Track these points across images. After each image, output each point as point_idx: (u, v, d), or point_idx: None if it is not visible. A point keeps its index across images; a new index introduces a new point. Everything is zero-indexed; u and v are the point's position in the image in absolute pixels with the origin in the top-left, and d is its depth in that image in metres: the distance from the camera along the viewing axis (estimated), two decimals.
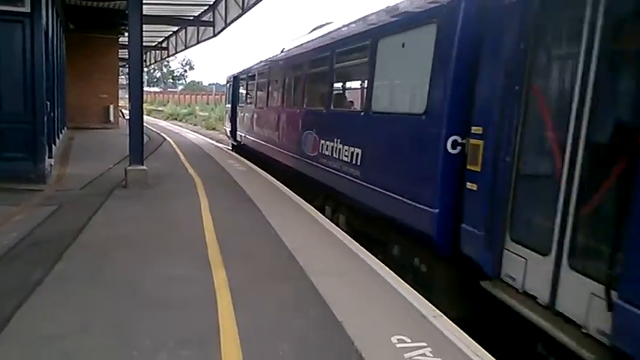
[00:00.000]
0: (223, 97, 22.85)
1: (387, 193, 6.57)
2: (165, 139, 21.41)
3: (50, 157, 10.93)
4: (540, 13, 4.49)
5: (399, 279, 5.29)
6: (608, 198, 3.77)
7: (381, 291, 4.93)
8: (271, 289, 4.85)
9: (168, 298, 4.50)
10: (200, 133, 29.86)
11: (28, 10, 9.38)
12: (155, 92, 79.46)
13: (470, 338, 4.00)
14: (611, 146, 3.82)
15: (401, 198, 6.21)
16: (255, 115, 15.91)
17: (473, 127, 5.20)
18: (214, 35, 24.19)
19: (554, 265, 4.10)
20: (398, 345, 3.77)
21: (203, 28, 25.42)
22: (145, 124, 10.69)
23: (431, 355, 3.66)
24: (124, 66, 36.10)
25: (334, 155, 8.56)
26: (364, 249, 6.34)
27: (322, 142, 9.26)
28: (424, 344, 3.80)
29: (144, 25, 9.91)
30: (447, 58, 5.52)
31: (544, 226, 4.26)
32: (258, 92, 15.94)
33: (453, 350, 3.75)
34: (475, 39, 5.25)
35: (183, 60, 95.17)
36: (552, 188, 4.18)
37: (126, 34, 22.40)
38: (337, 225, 7.90)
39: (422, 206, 5.75)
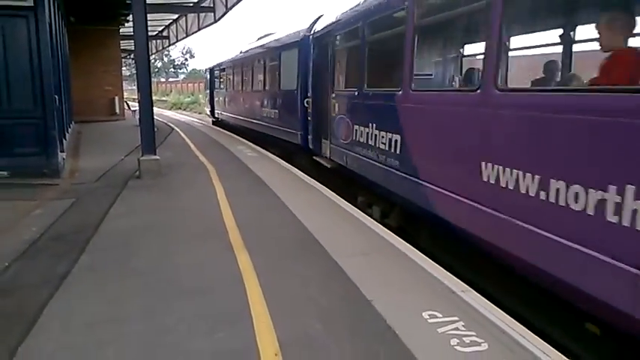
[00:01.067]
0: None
1: (287, 129, 12.91)
2: (172, 128, 21.39)
3: (62, 151, 10.94)
4: (320, 47, 10.63)
5: (424, 256, 5.28)
6: (332, 115, 9.49)
7: (406, 268, 4.92)
8: (297, 270, 4.85)
9: (197, 285, 4.52)
10: (205, 121, 29.79)
11: (32, 4, 9.31)
12: (157, 82, 79.24)
13: (500, 310, 4.00)
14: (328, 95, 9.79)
15: (291, 130, 12.56)
16: (227, 98, 22.16)
17: (308, 94, 11.38)
18: (215, 21, 24.03)
19: (329, 143, 9.71)
20: (430, 320, 3.77)
21: (204, 14, 25.23)
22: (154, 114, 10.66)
23: (464, 328, 3.65)
24: (125, 57, 36.01)
25: (268, 116, 14.95)
26: (384, 228, 6.34)
27: (263, 109, 15.63)
28: (456, 318, 3.80)
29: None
30: (300, 64, 11.80)
31: (327, 129, 9.85)
32: (227, 81, 22.11)
33: (485, 323, 3.74)
34: (309, 55, 11.23)
35: (184, 48, 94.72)
36: (328, 115, 9.75)
37: (126, 24, 22.37)
38: (270, 152, 13.74)
39: (297, 131, 12.14)
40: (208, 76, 27.16)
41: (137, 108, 12.26)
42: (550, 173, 3.87)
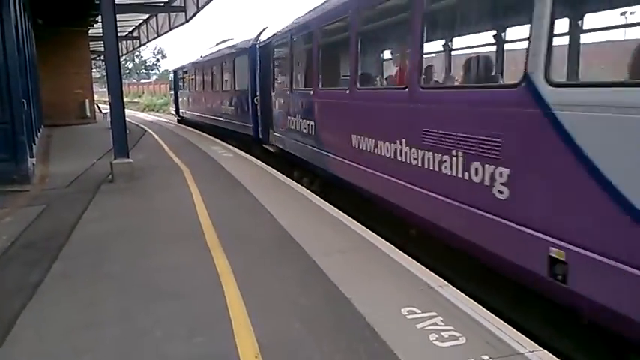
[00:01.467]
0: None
1: (241, 123, 15.24)
2: (145, 130, 21.11)
3: (32, 156, 10.71)
4: (264, 54, 13.05)
5: (401, 252, 5.31)
6: (274, 110, 12.17)
7: (383, 265, 4.94)
8: (275, 270, 4.84)
9: (174, 288, 4.47)
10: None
11: None
12: (129, 84, 78.07)
13: (478, 304, 4.04)
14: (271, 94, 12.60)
15: (244, 124, 14.85)
16: (190, 97, 24.59)
17: (256, 92, 13.61)
18: (186, 21, 23.79)
19: (273, 132, 12.20)
20: (409, 316, 3.79)
21: (175, 14, 24.92)
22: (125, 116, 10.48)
23: (442, 323, 3.68)
24: (95, 59, 35.39)
25: (226, 113, 17.39)
26: (361, 225, 6.35)
27: (222, 107, 17.90)
28: (434, 314, 3.83)
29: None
30: (250, 68, 13.92)
31: (271, 122, 12.34)
32: (190, 82, 24.47)
33: (463, 317, 3.78)
34: (256, 61, 13.46)
35: (155, 49, 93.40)
36: (272, 110, 12.25)
37: (95, 25, 21.96)
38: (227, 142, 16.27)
39: (249, 125, 14.32)
40: (173, 78, 29.55)
41: (108, 110, 12.07)
42: (376, 137, 6.62)
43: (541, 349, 3.35)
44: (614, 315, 3.37)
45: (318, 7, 9.09)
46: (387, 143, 6.25)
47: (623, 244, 3.26)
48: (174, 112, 29.87)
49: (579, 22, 5.40)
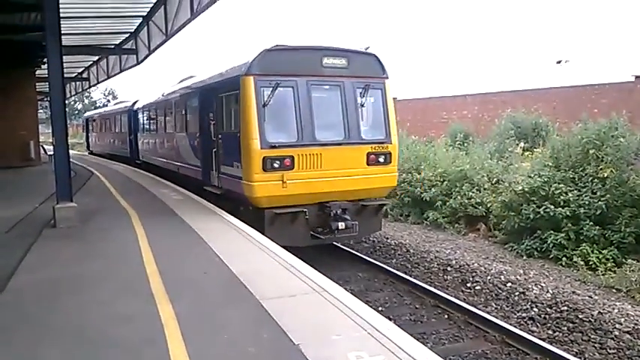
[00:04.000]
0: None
1: (125, 150, 25.50)
2: (92, 172, 20.53)
3: None
4: (135, 114, 23.37)
5: (350, 295, 5.31)
6: (139, 142, 23.01)
7: (332, 309, 4.91)
8: (222, 317, 4.74)
9: (116, 339, 4.30)
10: (130, 165, 28.89)
11: None
12: (77, 125, 76.17)
13: (426, 349, 4.06)
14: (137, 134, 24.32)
15: (126, 151, 25.10)
16: (95, 137, 35.83)
17: (132, 134, 23.87)
18: (138, 63, 23.60)
19: (139, 153, 23.17)
20: None
21: (126, 55, 24.74)
22: (70, 158, 10.20)
23: None
24: (42, 100, 34.58)
25: (117, 145, 27.51)
26: (312, 269, 6.32)
27: (115, 142, 28.27)
28: (382, 358, 3.83)
29: (63, 57, 9.52)
30: (129, 121, 23.89)
31: (138, 148, 23.61)
32: (95, 126, 35.47)
33: None
34: (133, 118, 23.32)
35: (106, 90, 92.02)
36: (139, 142, 24.19)
37: (43, 66, 21.52)
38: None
39: (127, 150, 24.73)
40: (85, 123, 42.10)
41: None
42: (165, 149, 17.46)
43: None
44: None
45: (148, 102, 19.84)
46: (165, 150, 16.39)
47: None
48: (85, 147, 40.83)
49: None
